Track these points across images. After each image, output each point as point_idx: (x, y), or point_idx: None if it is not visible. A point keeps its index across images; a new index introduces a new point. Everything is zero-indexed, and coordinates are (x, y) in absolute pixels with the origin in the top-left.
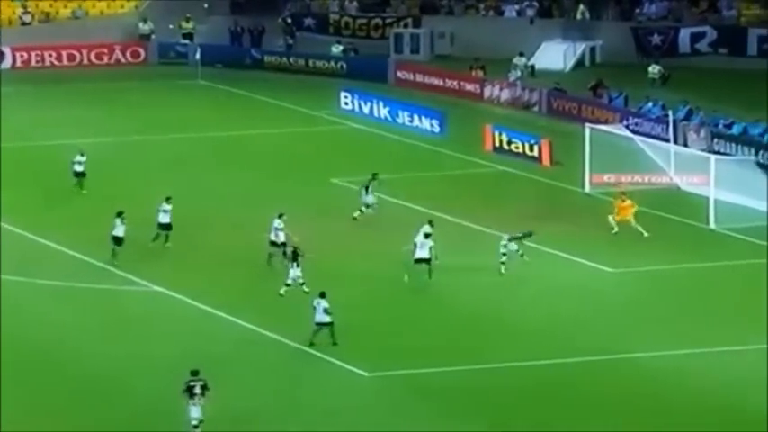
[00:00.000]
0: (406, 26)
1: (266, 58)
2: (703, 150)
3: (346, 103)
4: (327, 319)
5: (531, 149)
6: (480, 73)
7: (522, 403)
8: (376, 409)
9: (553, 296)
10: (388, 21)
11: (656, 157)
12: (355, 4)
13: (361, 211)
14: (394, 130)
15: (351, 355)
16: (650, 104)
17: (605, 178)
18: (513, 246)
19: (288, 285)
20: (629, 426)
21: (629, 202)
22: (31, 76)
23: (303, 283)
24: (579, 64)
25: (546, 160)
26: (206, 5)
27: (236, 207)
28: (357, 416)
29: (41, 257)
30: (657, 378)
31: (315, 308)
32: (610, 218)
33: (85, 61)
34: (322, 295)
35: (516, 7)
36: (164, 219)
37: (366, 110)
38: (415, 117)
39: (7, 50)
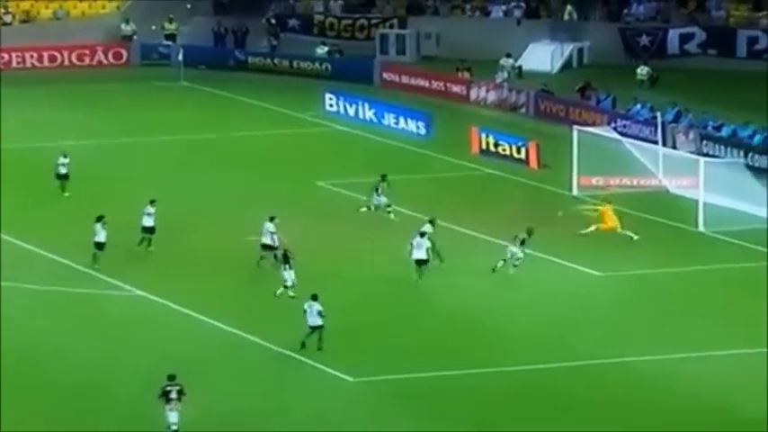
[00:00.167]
0: (391, 27)
1: (250, 60)
2: (692, 153)
3: (331, 105)
4: (320, 322)
5: (519, 152)
6: (467, 74)
7: (510, 408)
8: (361, 415)
9: (541, 299)
10: (373, 21)
11: (644, 159)
12: (340, 4)
13: (368, 208)
14: (379, 132)
15: (336, 359)
16: (639, 106)
17: (593, 181)
18: (519, 253)
19: (287, 287)
20: (620, 430)
21: (604, 207)
22: (11, 77)
23: (293, 286)
24: (567, 65)
25: (533, 163)
26: (189, 6)
27: (220, 210)
28: (341, 421)
29: (22, 261)
30: (647, 382)
31: (306, 311)
32: (593, 227)
33: (67, 62)
34: (314, 298)
35: (503, 8)
36: (147, 222)
37: (351, 112)
38: (401, 119)
39: None
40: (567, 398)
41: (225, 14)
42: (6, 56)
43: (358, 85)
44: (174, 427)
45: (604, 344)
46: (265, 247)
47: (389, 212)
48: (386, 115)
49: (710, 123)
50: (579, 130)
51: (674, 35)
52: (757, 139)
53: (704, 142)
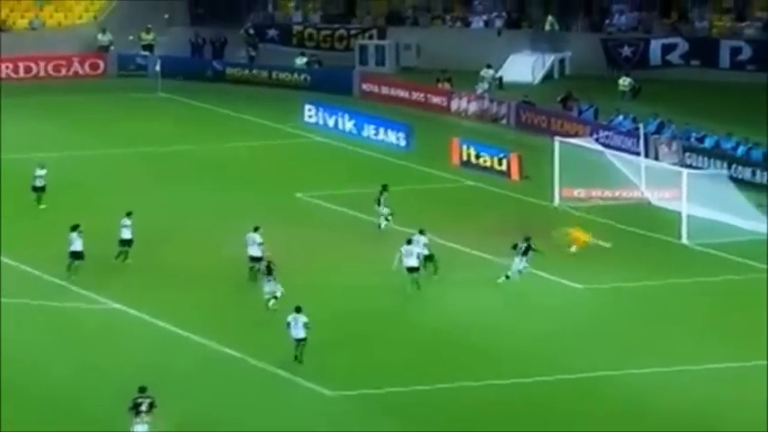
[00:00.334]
0: (371, 37)
1: (228, 70)
2: (675, 164)
3: (310, 116)
4: (304, 334)
5: (500, 163)
6: (447, 85)
7: (492, 422)
8: (337, 429)
9: (523, 313)
10: (352, 32)
11: (626, 171)
12: (319, 14)
13: (387, 219)
14: (359, 144)
15: (314, 373)
16: (621, 117)
17: (575, 193)
18: (522, 263)
19: (277, 298)
20: None
21: (573, 231)
22: None
23: (276, 298)
24: (548, 76)
25: (515, 174)
26: (166, 16)
27: (197, 222)
28: None
29: None
30: (631, 396)
31: (290, 323)
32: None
33: (43, 73)
34: (298, 310)
35: (484, 18)
36: (125, 234)
37: (331, 123)
38: (381, 130)
39: None
40: (550, 412)
41: (203, 25)
42: None
43: (337, 96)
44: None
45: (587, 358)
46: (253, 258)
47: (388, 221)
48: (366, 126)
49: (693, 135)
50: (561, 142)
51: (656, 46)
52: (740, 150)
53: (687, 154)
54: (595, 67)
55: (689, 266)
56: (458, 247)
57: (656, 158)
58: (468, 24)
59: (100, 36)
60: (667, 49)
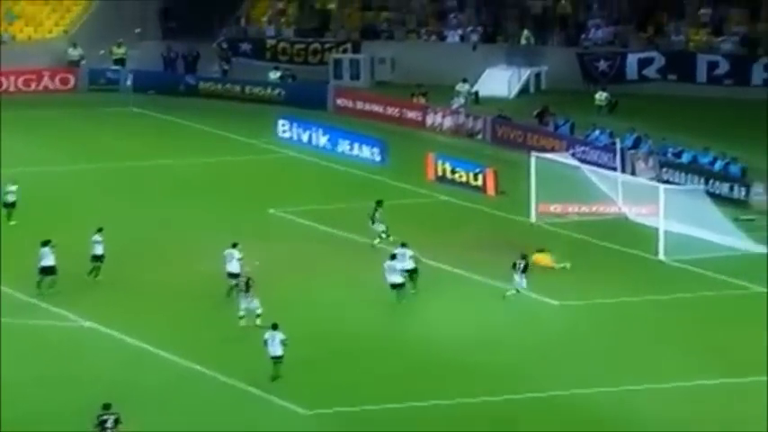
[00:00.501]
0: (345, 51)
1: (201, 85)
2: (652, 179)
3: (284, 131)
4: (281, 352)
5: (476, 179)
6: (422, 100)
7: None
8: None
9: (498, 330)
10: (326, 46)
11: (603, 186)
12: (293, 28)
13: (381, 237)
14: (333, 159)
15: (289, 391)
16: (597, 132)
17: (552, 208)
18: (523, 281)
19: (258, 316)
20: None
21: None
22: None
23: (258, 316)
24: (524, 90)
25: (491, 190)
26: (138, 30)
27: (170, 238)
28: None
29: None
30: (606, 415)
31: (267, 341)
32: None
33: (12, 88)
34: (275, 327)
35: (459, 32)
36: (97, 250)
37: (305, 138)
38: (356, 145)
39: None
40: (526, 430)
41: (175, 39)
42: None
43: (311, 111)
44: None
45: (562, 375)
46: (231, 275)
47: (384, 238)
48: (340, 141)
49: (670, 150)
50: (537, 157)
51: (632, 60)
52: (718, 165)
53: (664, 169)
54: (571, 81)
55: (666, 283)
56: (433, 264)
57: (633, 174)
58: (443, 38)
59: (70, 50)
60: (644, 63)
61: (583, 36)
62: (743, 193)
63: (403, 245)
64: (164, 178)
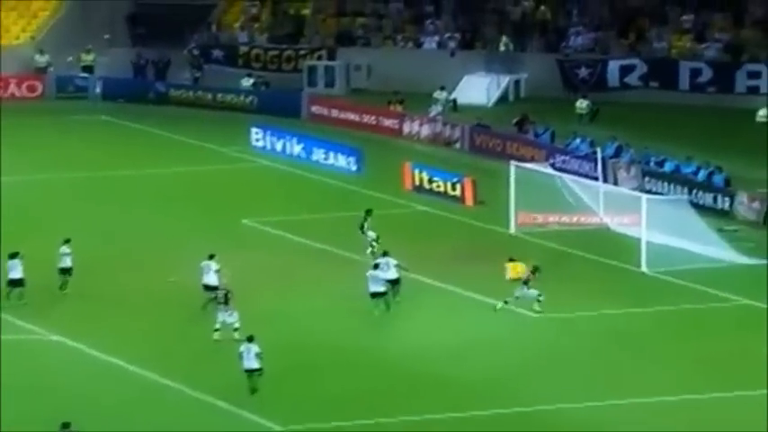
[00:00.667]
0: (320, 58)
1: (172, 92)
2: (634, 189)
3: (257, 140)
4: (257, 365)
5: (454, 188)
6: (399, 108)
7: None
8: None
9: (477, 343)
10: (301, 52)
11: (584, 196)
12: (266, 34)
13: (372, 245)
14: (308, 168)
15: (263, 406)
16: (578, 141)
17: (532, 218)
18: (532, 292)
19: (236, 329)
20: None
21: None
22: None
23: (236, 329)
24: (503, 98)
25: (469, 200)
26: (107, 36)
27: (140, 249)
28: None
29: None
30: (587, 429)
31: (242, 354)
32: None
33: None
34: (250, 339)
35: (436, 38)
36: (65, 263)
37: (279, 147)
38: (331, 154)
39: None
40: None
41: (145, 45)
42: None
43: (285, 119)
44: None
45: (544, 389)
46: (208, 287)
47: (374, 246)
48: (315, 150)
49: (653, 159)
50: (517, 166)
51: (614, 67)
52: (701, 175)
53: (646, 178)
54: (551, 88)
55: (648, 294)
56: (411, 275)
57: (615, 183)
58: (420, 45)
59: (37, 57)
60: (625, 70)
61: (563, 43)
62: (727, 204)
63: (385, 254)
64: (133, 188)
